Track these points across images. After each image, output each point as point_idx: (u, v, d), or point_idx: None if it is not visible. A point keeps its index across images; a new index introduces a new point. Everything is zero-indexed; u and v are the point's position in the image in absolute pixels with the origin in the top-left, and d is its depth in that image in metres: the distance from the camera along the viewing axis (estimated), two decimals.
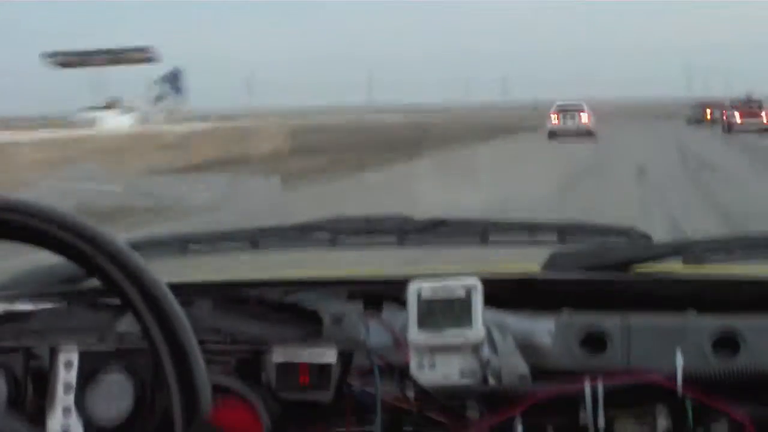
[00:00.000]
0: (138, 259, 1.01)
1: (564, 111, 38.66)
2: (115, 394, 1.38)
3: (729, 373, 1.45)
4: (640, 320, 1.65)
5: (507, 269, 1.94)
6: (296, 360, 1.41)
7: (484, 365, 1.57)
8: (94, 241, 0.99)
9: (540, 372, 1.58)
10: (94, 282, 1.11)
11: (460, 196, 12.13)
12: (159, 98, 47.78)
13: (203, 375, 0.99)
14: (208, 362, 1.38)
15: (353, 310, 1.61)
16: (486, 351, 1.58)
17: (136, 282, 0.99)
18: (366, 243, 2.06)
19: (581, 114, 38.18)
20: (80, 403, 1.39)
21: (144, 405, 1.37)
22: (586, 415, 1.47)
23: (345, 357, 1.41)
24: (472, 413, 1.50)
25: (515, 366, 1.59)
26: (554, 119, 38.33)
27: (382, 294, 1.72)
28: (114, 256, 0.99)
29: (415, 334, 1.58)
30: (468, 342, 1.57)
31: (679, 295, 1.74)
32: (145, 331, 0.99)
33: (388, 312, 1.68)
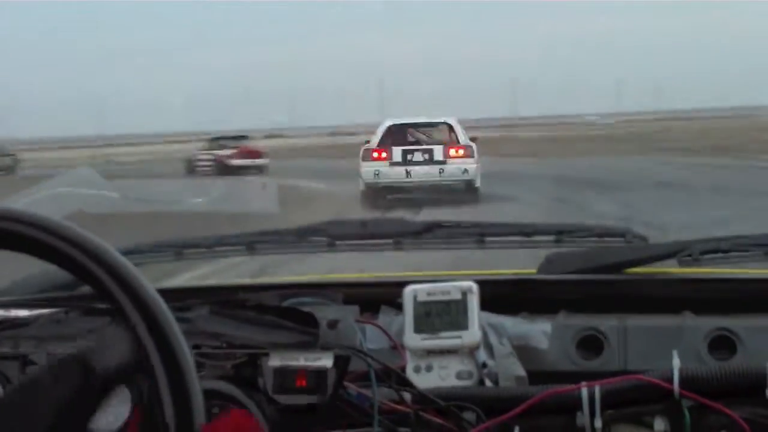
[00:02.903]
0: (129, 265, 1.00)
1: (406, 137, 19.25)
2: (113, 404, 1.38)
3: (726, 374, 1.45)
4: (637, 322, 1.65)
5: (503, 271, 1.94)
6: (293, 364, 1.41)
7: (481, 368, 1.57)
8: (83, 247, 0.99)
9: (537, 374, 1.58)
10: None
11: None
12: None
13: (196, 386, 0.98)
14: (205, 367, 1.38)
15: (350, 313, 1.61)
16: (482, 354, 1.58)
17: (127, 289, 0.99)
18: (363, 246, 2.06)
19: (450, 145, 18.55)
20: None
21: (142, 412, 1.36)
22: (583, 418, 1.47)
23: (342, 361, 1.41)
24: (469, 416, 1.50)
25: (512, 368, 1.59)
26: (377, 155, 18.25)
27: (378, 297, 1.72)
28: (104, 263, 0.99)
29: (412, 338, 1.58)
30: (464, 345, 1.57)
31: (675, 297, 1.74)
32: (138, 341, 0.99)
33: (385, 315, 1.68)
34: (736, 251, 1.86)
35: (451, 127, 19.43)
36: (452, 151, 18.38)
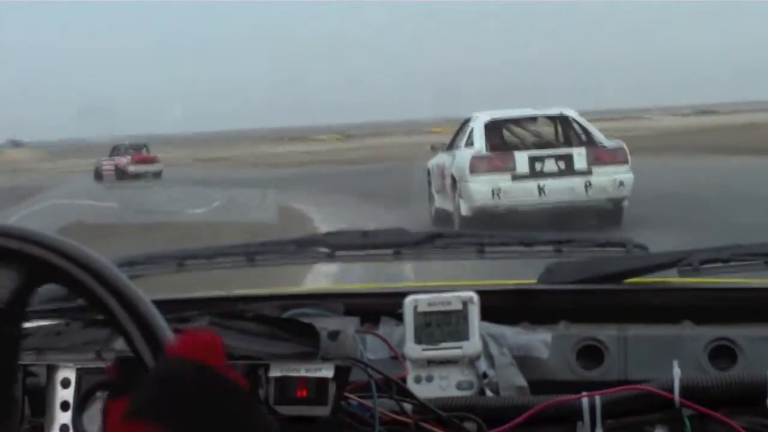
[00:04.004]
0: (120, 275, 1.00)
1: (513, 138, 14.11)
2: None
3: (726, 384, 1.45)
4: (637, 331, 1.65)
5: (503, 281, 1.94)
6: (293, 375, 1.41)
7: (482, 378, 1.57)
8: (74, 260, 0.99)
9: (537, 384, 1.58)
10: None
11: None
12: None
13: (153, 312, 0.99)
14: None
15: (350, 324, 1.61)
16: (483, 364, 1.59)
17: (120, 300, 0.99)
18: (363, 256, 2.06)
19: (594, 147, 12.87)
20: (77, 421, 1.39)
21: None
22: (584, 427, 1.47)
23: (342, 372, 1.41)
24: (470, 426, 1.50)
25: (512, 378, 1.59)
26: (493, 165, 12.69)
27: (379, 308, 1.73)
28: (97, 274, 0.99)
29: (412, 348, 1.58)
30: (465, 355, 1.57)
31: (675, 306, 1.74)
32: (134, 350, 0.99)
33: (385, 326, 1.68)
34: (735, 261, 1.86)
35: (567, 121, 13.37)
36: (599, 156, 12.60)
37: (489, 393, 1.56)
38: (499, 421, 1.48)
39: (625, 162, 12.58)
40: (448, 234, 2.04)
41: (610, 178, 12.39)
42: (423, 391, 1.54)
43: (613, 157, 12.62)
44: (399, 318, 1.63)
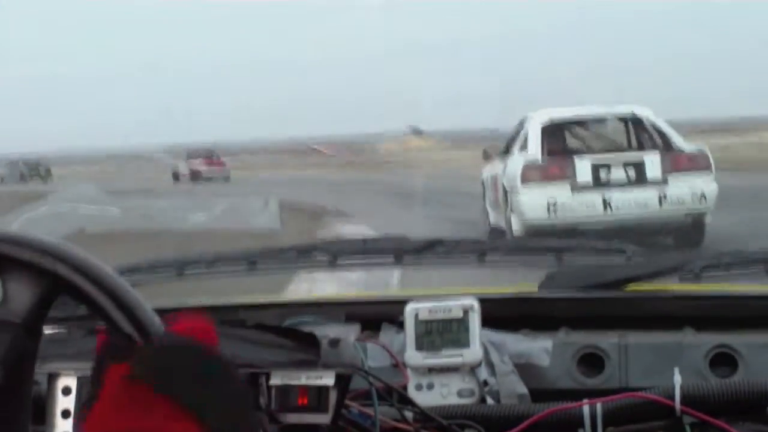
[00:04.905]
0: (119, 279, 1.01)
1: (574, 142, 12.47)
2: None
3: (727, 391, 1.45)
4: (638, 339, 1.65)
5: (504, 289, 1.94)
6: (294, 383, 1.41)
7: (482, 386, 1.57)
8: (74, 265, 0.99)
9: (538, 392, 1.58)
10: None
11: None
12: None
13: (140, 301, 0.99)
14: None
15: (351, 332, 1.61)
16: (484, 371, 1.59)
17: (120, 305, 0.99)
18: (364, 264, 2.06)
19: (670, 152, 10.87)
20: (78, 429, 1.39)
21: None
22: None
23: (343, 379, 1.41)
24: None
25: (513, 386, 1.59)
26: (549, 174, 10.83)
27: (379, 316, 1.73)
28: (96, 280, 0.99)
29: (413, 356, 1.58)
30: (465, 362, 1.57)
31: (676, 313, 1.74)
32: (96, 307, 1.00)
33: (386, 333, 1.69)
34: (737, 268, 1.86)
35: (640, 122, 11.38)
36: (676, 163, 10.59)
37: (490, 401, 1.56)
38: (499, 428, 1.48)
39: (708, 169, 10.62)
40: (449, 241, 2.04)
41: (689, 189, 10.42)
42: (424, 398, 1.54)
43: (694, 164, 10.62)
44: (400, 326, 1.63)
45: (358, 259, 2.05)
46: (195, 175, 41.72)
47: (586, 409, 1.46)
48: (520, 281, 1.96)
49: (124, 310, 0.99)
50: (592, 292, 1.82)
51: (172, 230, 13.62)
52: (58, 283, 1.00)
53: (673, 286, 1.84)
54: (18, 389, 1.01)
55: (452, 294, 1.67)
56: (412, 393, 1.56)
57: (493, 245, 2.04)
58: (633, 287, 1.81)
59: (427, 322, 1.58)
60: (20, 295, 1.01)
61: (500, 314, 1.69)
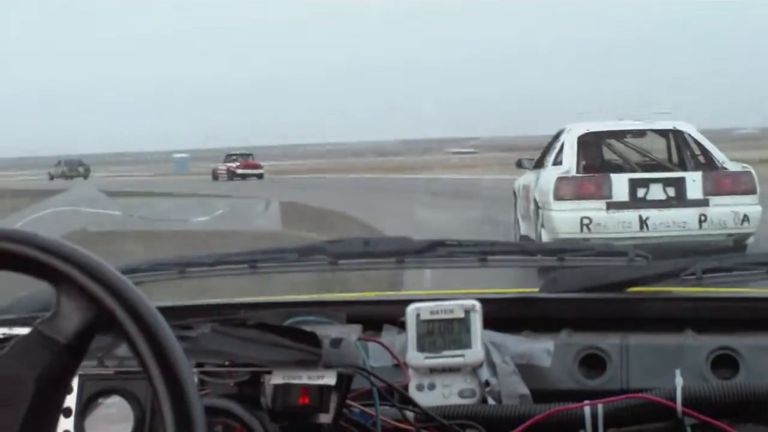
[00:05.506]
0: (127, 282, 1.00)
1: (611, 155, 11.79)
2: (115, 418, 1.38)
3: (728, 393, 1.45)
4: (639, 340, 1.65)
5: (506, 290, 1.94)
6: (296, 382, 1.41)
7: (484, 386, 1.57)
8: (82, 266, 0.99)
9: (540, 393, 1.58)
10: None
11: None
12: None
13: (197, 404, 0.97)
14: (207, 385, 1.38)
15: (353, 332, 1.61)
16: (485, 372, 1.59)
17: (128, 308, 0.98)
18: (365, 265, 2.06)
19: (712, 171, 10.22)
20: (79, 428, 1.39)
21: (144, 428, 1.37)
22: None
23: (345, 379, 1.41)
24: None
25: (514, 387, 1.59)
26: (584, 190, 10.16)
27: (381, 316, 1.73)
28: (102, 281, 0.99)
29: (414, 356, 1.58)
30: (467, 363, 1.57)
31: (677, 316, 1.74)
32: (140, 360, 0.99)
33: (388, 334, 1.69)
34: (738, 270, 1.86)
35: (683, 138, 10.88)
36: (719, 182, 10.04)
37: (491, 401, 1.56)
38: (501, 429, 1.48)
39: (753, 191, 9.96)
40: (450, 242, 2.04)
41: (731, 210, 9.81)
42: (425, 399, 1.54)
43: (737, 184, 10.01)
44: (401, 326, 1.63)
45: (359, 260, 2.05)
46: (231, 174, 48.46)
47: (587, 410, 1.46)
48: (522, 282, 1.96)
49: (167, 381, 0.96)
50: (593, 293, 1.82)
51: (185, 231, 13.60)
52: (113, 322, 0.98)
53: (675, 288, 1.84)
54: (46, 410, 1.00)
55: (454, 294, 1.67)
56: (414, 393, 1.56)
57: (494, 247, 2.03)
58: (635, 289, 1.81)
59: (428, 322, 1.58)
60: (71, 314, 0.99)
61: (502, 315, 1.69)
